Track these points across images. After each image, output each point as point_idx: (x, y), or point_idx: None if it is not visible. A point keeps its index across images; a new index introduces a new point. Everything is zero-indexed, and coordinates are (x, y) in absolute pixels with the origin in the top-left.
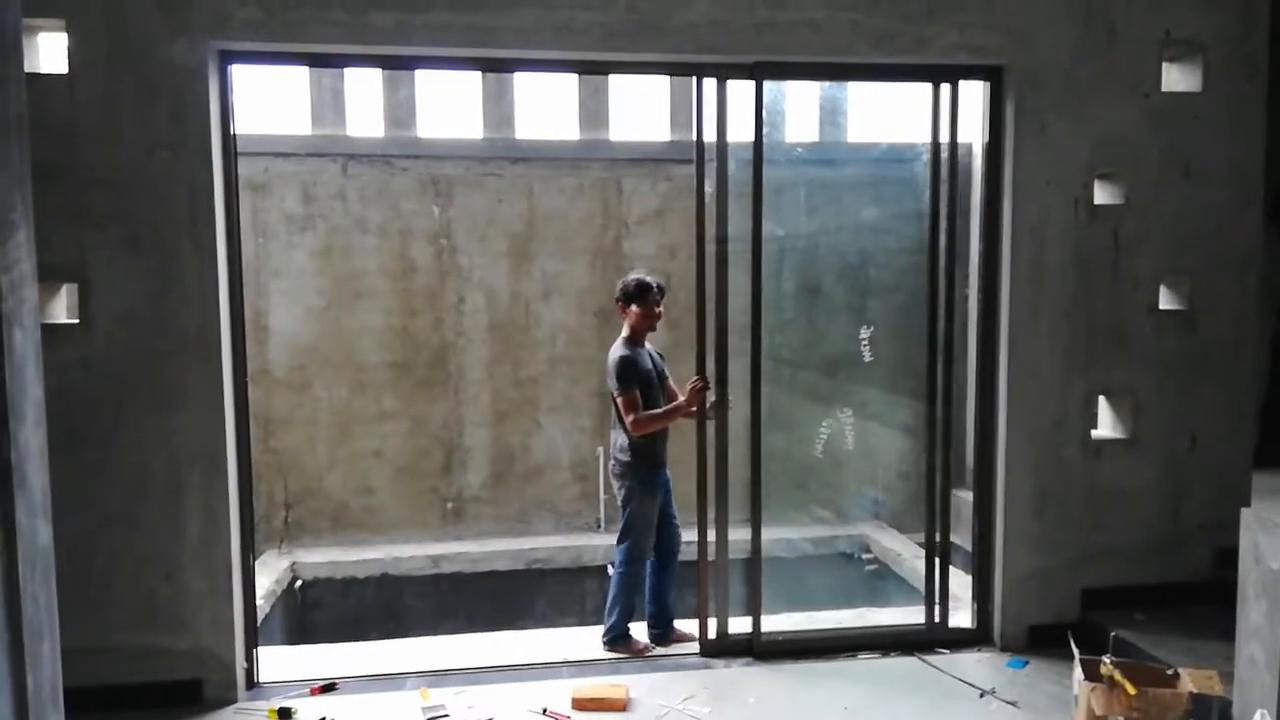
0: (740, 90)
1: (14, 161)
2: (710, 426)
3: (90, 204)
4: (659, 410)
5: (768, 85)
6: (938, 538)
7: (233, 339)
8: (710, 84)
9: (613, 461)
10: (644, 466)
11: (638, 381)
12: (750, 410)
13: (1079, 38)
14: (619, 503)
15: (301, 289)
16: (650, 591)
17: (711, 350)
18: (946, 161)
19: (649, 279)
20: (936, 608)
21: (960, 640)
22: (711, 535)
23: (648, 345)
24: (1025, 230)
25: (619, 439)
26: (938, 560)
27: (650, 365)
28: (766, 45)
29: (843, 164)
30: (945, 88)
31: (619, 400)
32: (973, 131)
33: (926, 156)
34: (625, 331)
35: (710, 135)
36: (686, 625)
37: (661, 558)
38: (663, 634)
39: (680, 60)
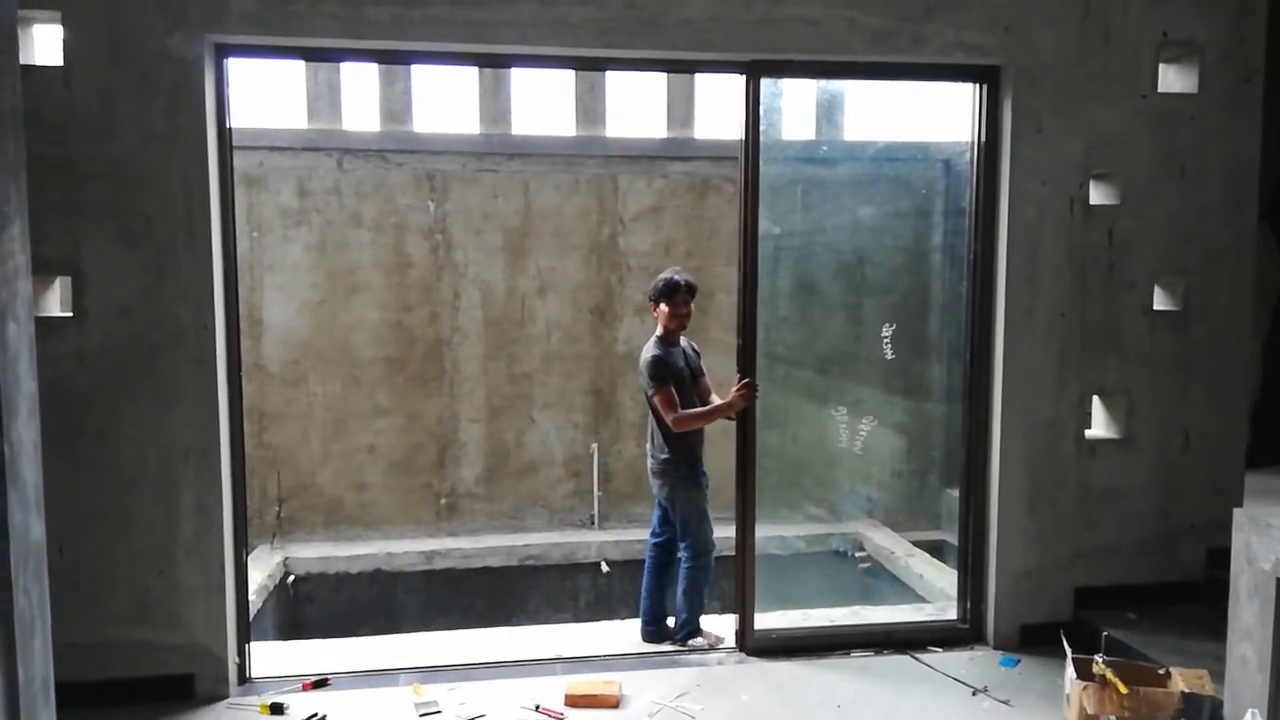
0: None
1: (8, 154)
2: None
3: (85, 197)
4: (702, 410)
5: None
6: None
7: (227, 333)
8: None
9: (651, 460)
10: (684, 463)
11: (671, 379)
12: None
13: (1076, 38)
14: (662, 501)
15: (296, 283)
16: (648, 587)
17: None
18: (952, 161)
19: (678, 277)
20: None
21: (954, 638)
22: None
23: (683, 342)
24: (1021, 229)
25: (656, 438)
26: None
27: (683, 363)
28: (763, 43)
29: (870, 162)
30: (943, 88)
31: (655, 399)
32: (970, 131)
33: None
34: (658, 330)
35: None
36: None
37: (669, 557)
38: (656, 631)
39: (677, 57)
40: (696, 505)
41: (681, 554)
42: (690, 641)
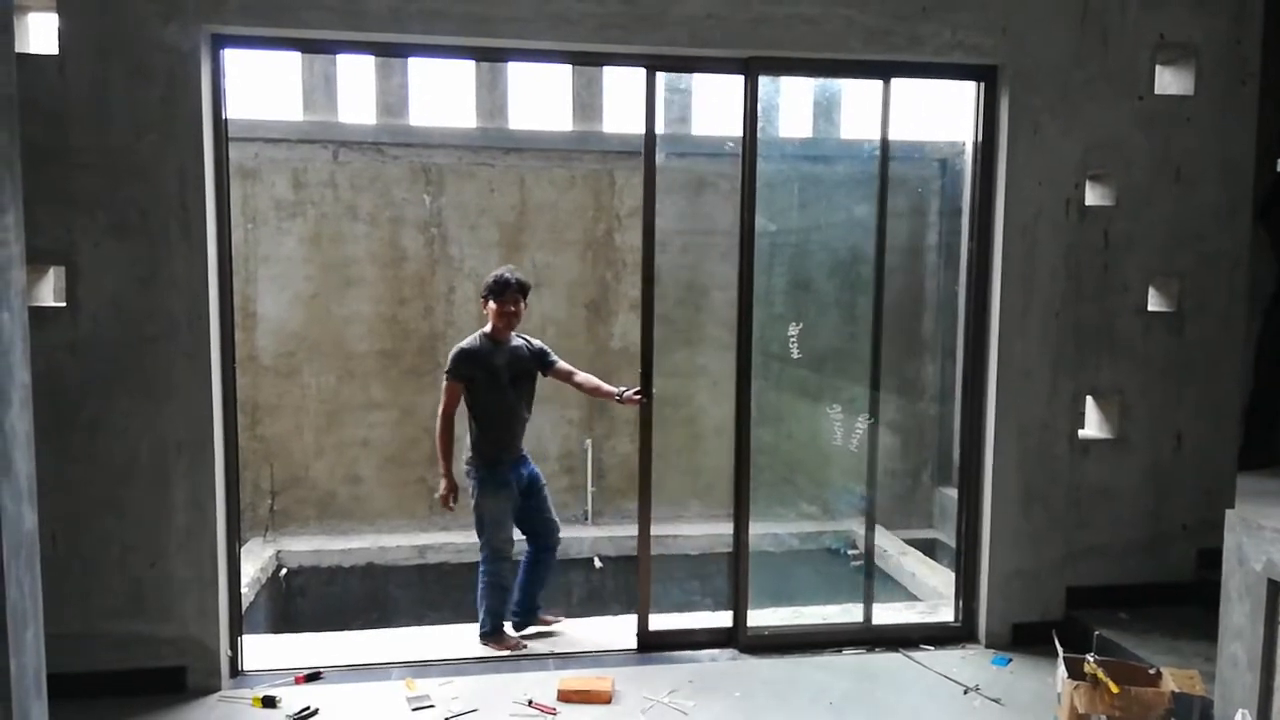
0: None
1: (2, 143)
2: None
3: (79, 187)
4: (442, 437)
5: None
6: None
7: (221, 325)
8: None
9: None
10: (483, 463)
11: (465, 375)
12: (738, 404)
13: (1074, 39)
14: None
15: (290, 276)
16: (519, 580)
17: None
18: (948, 160)
19: (509, 275)
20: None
21: (946, 637)
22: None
23: (518, 340)
24: (1017, 230)
25: (467, 435)
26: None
27: (502, 361)
28: (762, 40)
29: (866, 161)
30: (940, 88)
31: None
32: (966, 131)
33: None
34: (486, 327)
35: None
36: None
37: (535, 551)
38: (522, 621)
39: (675, 54)
40: (489, 510)
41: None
42: (486, 643)
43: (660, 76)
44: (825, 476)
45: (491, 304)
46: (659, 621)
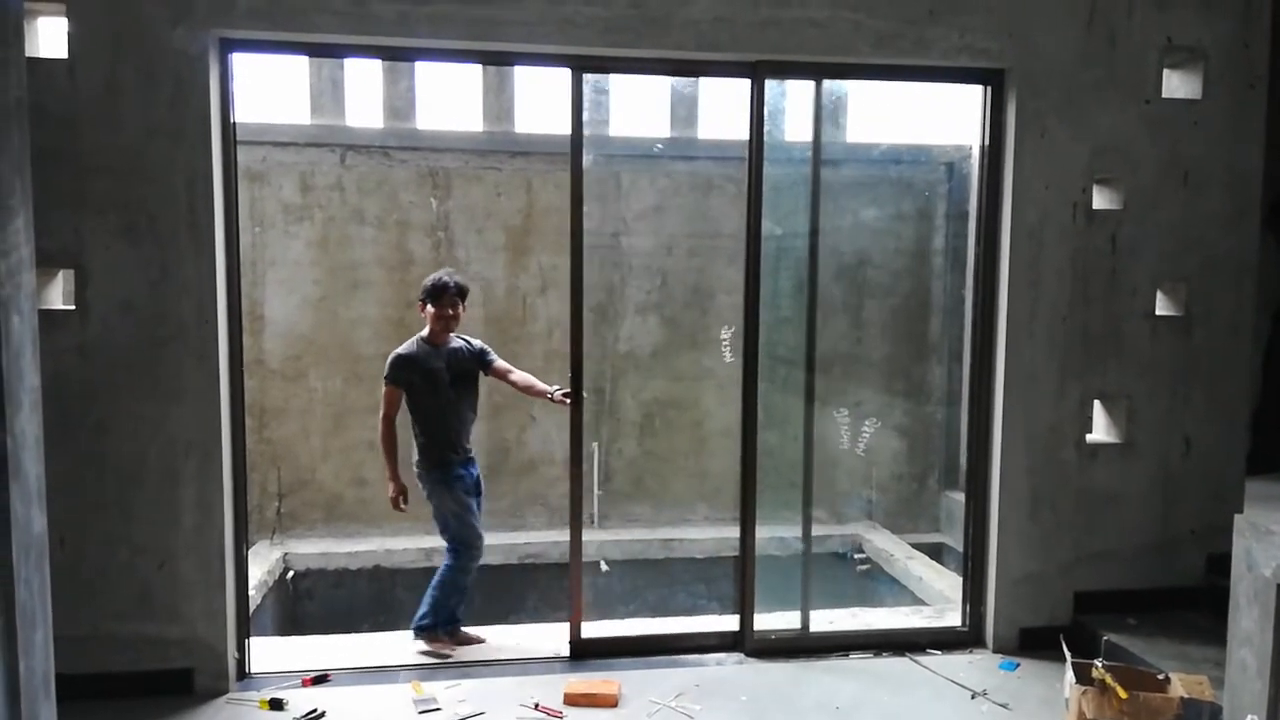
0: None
1: (13, 146)
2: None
3: (89, 190)
4: (385, 448)
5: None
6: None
7: (229, 328)
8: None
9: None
10: (432, 465)
11: (404, 381)
12: (744, 407)
13: (1081, 42)
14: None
15: (298, 279)
16: (440, 586)
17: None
18: (954, 164)
19: (447, 279)
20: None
21: (953, 641)
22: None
23: (458, 342)
24: (1024, 233)
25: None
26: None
27: (440, 364)
28: (769, 44)
29: (873, 165)
30: (947, 92)
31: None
32: (973, 135)
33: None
34: (424, 331)
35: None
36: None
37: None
38: (447, 633)
39: (682, 57)
40: (448, 506)
41: (446, 552)
42: (419, 640)
43: (664, 79)
44: (831, 480)
45: (430, 307)
46: (655, 625)
